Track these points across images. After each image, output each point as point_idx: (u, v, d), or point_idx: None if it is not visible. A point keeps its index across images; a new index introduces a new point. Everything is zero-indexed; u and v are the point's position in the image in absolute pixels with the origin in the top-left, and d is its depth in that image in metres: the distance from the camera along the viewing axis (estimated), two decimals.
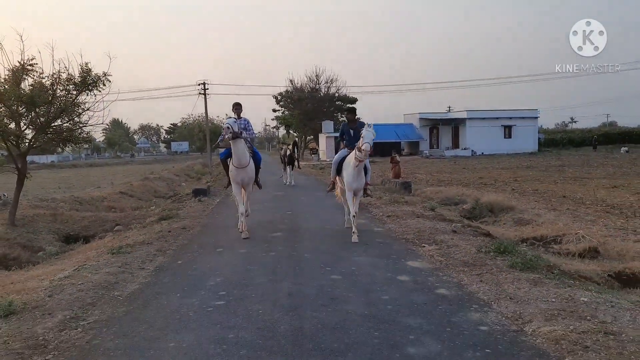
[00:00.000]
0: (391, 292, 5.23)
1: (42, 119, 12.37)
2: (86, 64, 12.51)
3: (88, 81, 12.53)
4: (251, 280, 5.90)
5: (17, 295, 5.45)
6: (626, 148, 43.32)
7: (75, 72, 12.45)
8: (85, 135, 13.00)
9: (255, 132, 9.33)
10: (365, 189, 8.53)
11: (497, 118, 48.97)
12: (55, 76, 12.36)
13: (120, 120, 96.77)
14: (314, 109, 51.54)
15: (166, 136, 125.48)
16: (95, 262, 7.06)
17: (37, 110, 12.20)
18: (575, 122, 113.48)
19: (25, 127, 12.62)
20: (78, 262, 7.46)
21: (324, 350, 3.80)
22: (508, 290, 5.14)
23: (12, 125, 12.32)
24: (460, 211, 13.06)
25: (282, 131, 75.12)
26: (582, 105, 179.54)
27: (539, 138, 51.71)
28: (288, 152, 18.24)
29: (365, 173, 8.21)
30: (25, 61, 12.26)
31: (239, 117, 8.71)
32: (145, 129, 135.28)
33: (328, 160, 41.59)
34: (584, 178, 21.88)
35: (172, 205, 14.19)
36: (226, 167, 8.85)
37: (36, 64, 12.35)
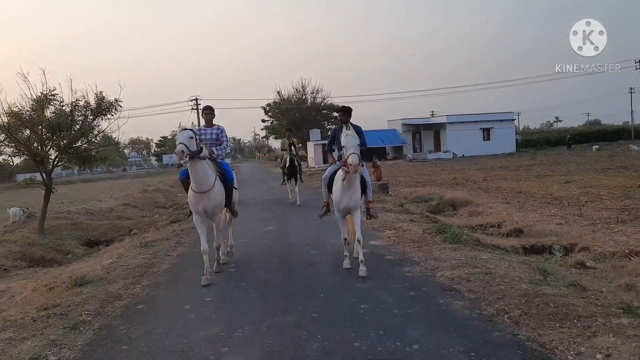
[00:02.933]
0: (353, 260, 7.38)
1: (64, 142, 14.41)
2: (100, 92, 14.59)
3: (102, 107, 14.61)
4: (254, 254, 8.04)
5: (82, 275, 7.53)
6: (597, 146, 45.88)
7: (91, 100, 14.52)
8: (101, 155, 15.03)
9: (228, 142, 7.53)
10: (368, 209, 7.16)
11: (476, 122, 51.45)
12: (74, 104, 14.42)
13: (110, 135, 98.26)
14: (301, 118, 53.85)
15: (157, 149, 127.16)
16: (130, 253, 9.14)
17: (59, 134, 14.22)
18: (560, 121, 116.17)
19: (49, 148, 14.64)
20: (114, 255, 9.52)
21: (308, 288, 5.94)
22: (434, 255, 7.30)
23: (39, 148, 14.32)
24: (426, 207, 15.26)
25: (272, 141, 77.24)
26: (567, 104, 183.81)
27: (516, 139, 54.26)
28: (288, 163, 14.56)
29: (365, 187, 6.75)
30: (47, 92, 14.32)
31: (210, 125, 7.35)
32: (135, 142, 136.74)
33: (316, 166, 43.78)
34: (547, 175, 24.18)
35: (177, 212, 16.26)
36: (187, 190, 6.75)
37: (57, 94, 14.42)
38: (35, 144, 13.97)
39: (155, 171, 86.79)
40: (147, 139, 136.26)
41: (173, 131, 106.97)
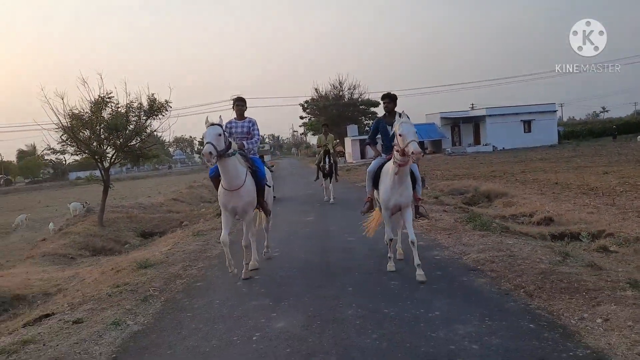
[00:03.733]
0: (397, 263, 8.01)
1: (120, 141, 15.59)
2: (152, 94, 15.71)
3: (154, 108, 15.71)
4: (295, 241, 8.79)
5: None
6: None
7: (144, 101, 15.65)
8: (154, 151, 16.15)
9: (260, 135, 7.14)
10: (417, 207, 6.55)
11: (517, 114, 50.75)
12: (129, 105, 15.59)
13: (155, 133, 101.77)
14: (339, 114, 54.51)
15: (200, 147, 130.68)
16: (185, 241, 10.08)
17: (116, 133, 15.41)
18: (607, 111, 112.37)
19: (106, 147, 15.87)
20: (170, 244, 10.48)
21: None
22: (463, 241, 7.85)
23: (98, 147, 15.57)
24: (461, 199, 15.66)
25: (310, 137, 78.25)
26: (613, 93, 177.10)
27: (558, 131, 53.18)
28: (327, 161, 14.33)
29: (415, 183, 6.22)
30: (104, 94, 15.52)
31: (241, 117, 6.98)
32: (179, 141, 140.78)
33: (354, 162, 44.37)
34: (586, 167, 23.97)
35: None
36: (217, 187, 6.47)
37: (113, 96, 15.61)
38: (94, 143, 15.19)
39: (199, 168, 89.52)
40: (191, 137, 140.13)
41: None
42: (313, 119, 59.75)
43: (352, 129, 50.45)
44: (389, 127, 6.32)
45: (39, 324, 5.47)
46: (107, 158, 15.92)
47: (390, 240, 6.40)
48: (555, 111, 53.97)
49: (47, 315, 5.80)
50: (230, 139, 6.14)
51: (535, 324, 4.28)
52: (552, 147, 45.68)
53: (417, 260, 5.81)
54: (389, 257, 6.45)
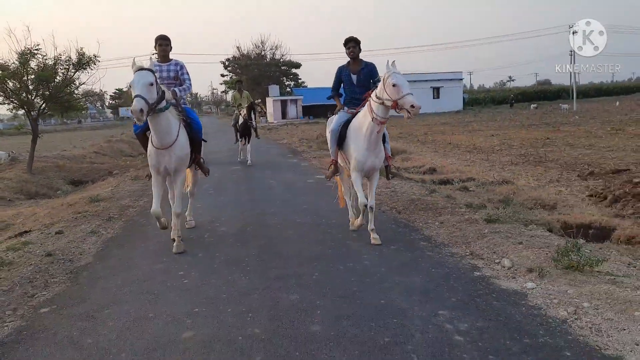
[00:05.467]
0: (299, 182, 9.93)
1: (49, 92, 16.12)
2: (81, 48, 16.24)
3: (83, 62, 16.31)
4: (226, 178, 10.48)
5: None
6: (535, 105, 49.78)
7: (73, 55, 16.19)
8: (82, 104, 16.82)
9: (190, 81, 6.08)
10: (387, 167, 6.13)
11: (426, 80, 54.34)
12: (56, 58, 16.07)
13: (85, 86, 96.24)
14: (260, 73, 55.35)
15: (111, 101, 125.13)
16: (125, 184, 11.42)
17: (45, 84, 15.92)
18: (513, 80, 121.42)
19: (34, 97, 16.32)
20: (112, 185, 11.74)
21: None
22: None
23: (27, 97, 16.00)
24: None
25: (230, 96, 78.16)
26: (520, 64, 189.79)
27: (463, 98, 57.69)
28: (241, 120, 13.84)
29: (384, 140, 5.69)
30: (32, 46, 15.87)
31: (166, 60, 6.02)
32: (87, 94, 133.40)
33: (275, 122, 45.84)
34: (479, 130, 27.32)
35: None
36: (145, 145, 5.76)
37: (40, 48, 15.98)
38: (23, 94, 15.64)
39: (111, 124, 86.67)
40: (101, 90, 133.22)
41: (129, 83, 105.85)
42: (234, 77, 59.99)
43: (273, 89, 51.62)
44: (353, 77, 5.82)
45: (24, 236, 6.81)
46: (36, 109, 16.39)
47: (366, 205, 5.54)
48: (461, 79, 58.30)
49: (25, 232, 7.12)
50: (163, 87, 5.19)
51: (396, 225, 6.41)
52: (457, 113, 49.73)
53: (372, 225, 5.57)
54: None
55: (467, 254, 5.01)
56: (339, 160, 6.09)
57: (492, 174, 12.02)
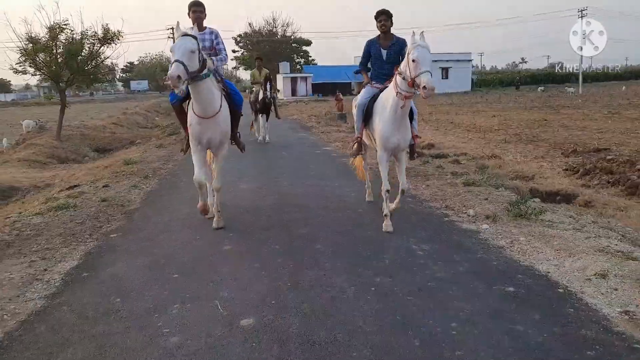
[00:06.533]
0: (307, 154, 11.10)
1: (75, 65, 17.33)
2: (107, 24, 17.41)
3: (107, 37, 17.48)
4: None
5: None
6: (542, 88, 50.36)
7: (99, 31, 17.35)
8: (108, 77, 17.99)
9: (226, 51, 5.82)
10: (412, 145, 5.70)
11: (435, 61, 54.56)
12: (83, 33, 17.25)
13: (113, 62, 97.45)
14: (272, 50, 56.13)
15: (122, 75, 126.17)
16: (151, 151, 12.66)
17: (73, 57, 17.12)
18: (525, 62, 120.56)
19: (62, 70, 17.55)
20: (140, 152, 12.98)
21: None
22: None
23: (57, 69, 17.24)
24: None
25: (241, 72, 78.96)
26: (530, 46, 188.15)
27: (472, 79, 58.24)
28: (261, 96, 13.25)
29: (412, 118, 5.38)
30: (60, 22, 17.04)
31: (201, 28, 5.54)
32: (111, 68, 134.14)
33: (285, 99, 46.82)
34: (483, 111, 28.27)
35: (169, 127, 19.62)
36: (182, 117, 5.47)
37: (68, 23, 17.15)
38: (53, 67, 16.87)
39: (123, 97, 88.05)
40: (112, 63, 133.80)
41: (140, 57, 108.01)
42: (246, 53, 60.84)
43: (284, 66, 52.51)
44: (383, 52, 5.53)
45: (74, 189, 8.08)
46: (64, 80, 17.62)
47: (387, 191, 5.29)
48: (470, 60, 58.76)
49: (75, 186, 8.38)
50: (205, 56, 4.86)
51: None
52: (465, 94, 50.48)
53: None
54: (385, 216, 5.27)
55: (443, 207, 6.22)
56: (364, 138, 5.84)
57: (484, 150, 13.14)
